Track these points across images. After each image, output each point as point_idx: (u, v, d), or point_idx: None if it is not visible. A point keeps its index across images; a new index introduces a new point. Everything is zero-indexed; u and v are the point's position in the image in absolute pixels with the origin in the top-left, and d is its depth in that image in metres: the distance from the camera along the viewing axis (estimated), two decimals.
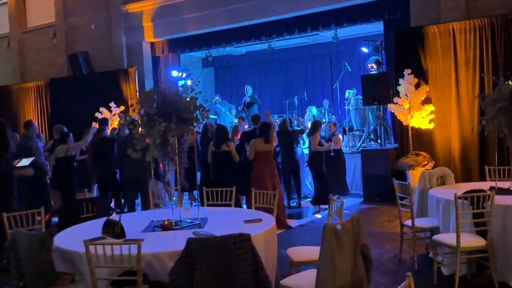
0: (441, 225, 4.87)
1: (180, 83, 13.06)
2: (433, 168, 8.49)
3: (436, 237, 4.53)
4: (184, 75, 13.19)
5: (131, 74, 12.54)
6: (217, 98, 14.29)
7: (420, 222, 5.12)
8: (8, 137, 5.87)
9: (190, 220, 4.13)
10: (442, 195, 4.95)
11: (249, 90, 13.42)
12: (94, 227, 3.99)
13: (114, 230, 3.67)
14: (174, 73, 12.85)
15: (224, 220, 4.26)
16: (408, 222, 5.19)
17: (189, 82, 13.45)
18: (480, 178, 8.29)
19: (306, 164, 8.98)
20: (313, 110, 12.18)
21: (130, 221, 4.42)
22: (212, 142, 7.31)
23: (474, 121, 8.42)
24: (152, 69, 13.08)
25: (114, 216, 3.81)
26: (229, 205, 5.14)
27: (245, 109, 13.18)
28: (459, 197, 4.25)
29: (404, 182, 5.19)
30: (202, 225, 4.00)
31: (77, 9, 14.00)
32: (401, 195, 5.26)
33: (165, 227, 3.95)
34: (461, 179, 8.00)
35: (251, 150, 7.14)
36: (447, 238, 4.39)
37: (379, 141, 10.38)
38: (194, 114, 3.92)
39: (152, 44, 13.03)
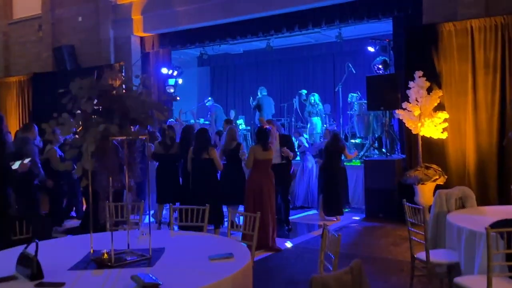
0: (463, 261, 3.89)
1: (171, 81, 12.19)
2: (444, 183, 7.54)
3: (460, 280, 3.54)
4: (175, 73, 12.21)
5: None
6: (209, 98, 13.30)
7: (436, 256, 4.14)
8: (4, 134, 5.01)
9: (139, 253, 3.15)
10: (465, 223, 3.97)
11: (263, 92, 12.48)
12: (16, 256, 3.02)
13: (28, 267, 2.72)
14: (164, 70, 11.88)
15: (185, 254, 3.28)
16: (421, 255, 4.21)
17: (180, 81, 12.56)
18: (499, 197, 7.36)
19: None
20: (315, 97, 11.34)
21: (66, 250, 3.47)
22: (191, 148, 6.35)
23: (493, 131, 7.49)
24: (142, 65, 12.14)
25: (31, 246, 2.84)
26: (202, 228, 4.18)
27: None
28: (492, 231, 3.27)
29: (418, 206, 4.21)
30: (152, 261, 3.03)
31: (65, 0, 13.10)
32: (412, 220, 4.29)
33: (102, 262, 2.98)
34: (477, 197, 6.99)
35: (249, 157, 6.18)
36: (474, 283, 3.41)
37: (384, 150, 9.42)
38: (147, 115, 2.95)
39: (141, 38, 12.11)
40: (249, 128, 13.04)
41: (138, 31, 11.80)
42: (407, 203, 4.31)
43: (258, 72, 15.24)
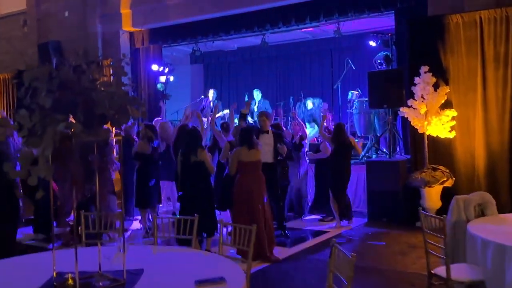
0: (489, 279, 3.39)
1: (162, 79, 11.66)
2: (453, 186, 7.06)
3: None
4: (167, 70, 11.67)
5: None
6: (202, 96, 12.72)
7: (456, 272, 3.63)
8: None
9: (112, 277, 2.63)
10: (491, 235, 3.48)
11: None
12: None
13: None
14: (154, 67, 11.34)
15: (167, 277, 2.76)
16: (439, 270, 3.71)
17: (171, 78, 12.04)
18: (511, 200, 6.89)
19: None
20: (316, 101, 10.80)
21: (28, 271, 2.94)
22: (180, 151, 5.81)
23: (504, 130, 7.04)
24: (131, 62, 11.57)
25: None
26: (189, 242, 3.66)
27: None
28: None
29: (439, 217, 3.70)
30: None
31: None
32: (429, 231, 3.78)
33: None
34: None
35: (232, 162, 5.63)
36: None
37: (385, 151, 8.93)
38: (118, 110, 2.43)
39: (131, 34, 11.57)
40: None
41: (127, 26, 11.27)
42: (423, 211, 3.81)
43: (253, 70, 14.71)
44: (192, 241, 3.59)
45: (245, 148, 5.60)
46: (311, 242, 6.53)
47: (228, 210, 6.48)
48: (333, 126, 7.62)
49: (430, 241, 3.79)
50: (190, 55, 14.35)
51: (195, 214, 3.72)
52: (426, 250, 3.81)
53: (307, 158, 8.09)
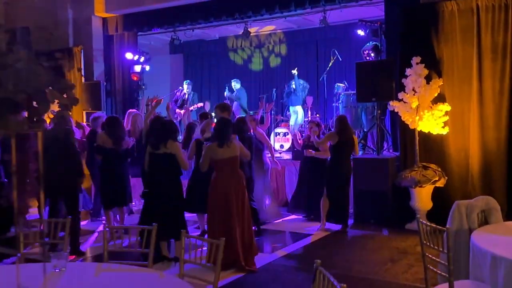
0: None
1: (137, 68, 10.99)
2: (445, 186, 6.58)
3: None
4: (142, 58, 11.00)
5: (76, 55, 10.35)
6: (180, 88, 12.05)
7: None
8: None
9: None
10: (502, 249, 2.95)
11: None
12: None
13: None
14: (129, 56, 10.64)
15: None
16: None
17: (147, 68, 11.39)
18: (508, 202, 6.43)
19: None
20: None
21: None
22: (149, 141, 5.17)
23: (501, 126, 6.59)
24: (104, 50, 10.89)
25: None
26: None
27: None
28: None
29: (441, 227, 3.15)
30: None
31: None
32: (427, 243, 3.24)
33: None
34: None
35: (204, 159, 5.02)
36: None
37: (372, 147, 8.41)
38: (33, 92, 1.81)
39: (104, 20, 10.85)
40: None
41: (100, 11, 10.58)
42: (422, 221, 3.26)
43: (235, 60, 14.08)
44: (149, 257, 2.98)
45: (215, 144, 5.01)
46: (292, 247, 5.96)
47: (196, 213, 5.96)
48: (335, 120, 6.93)
49: (428, 253, 3.25)
50: (169, 44, 13.67)
51: (154, 223, 3.12)
52: (425, 266, 3.26)
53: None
